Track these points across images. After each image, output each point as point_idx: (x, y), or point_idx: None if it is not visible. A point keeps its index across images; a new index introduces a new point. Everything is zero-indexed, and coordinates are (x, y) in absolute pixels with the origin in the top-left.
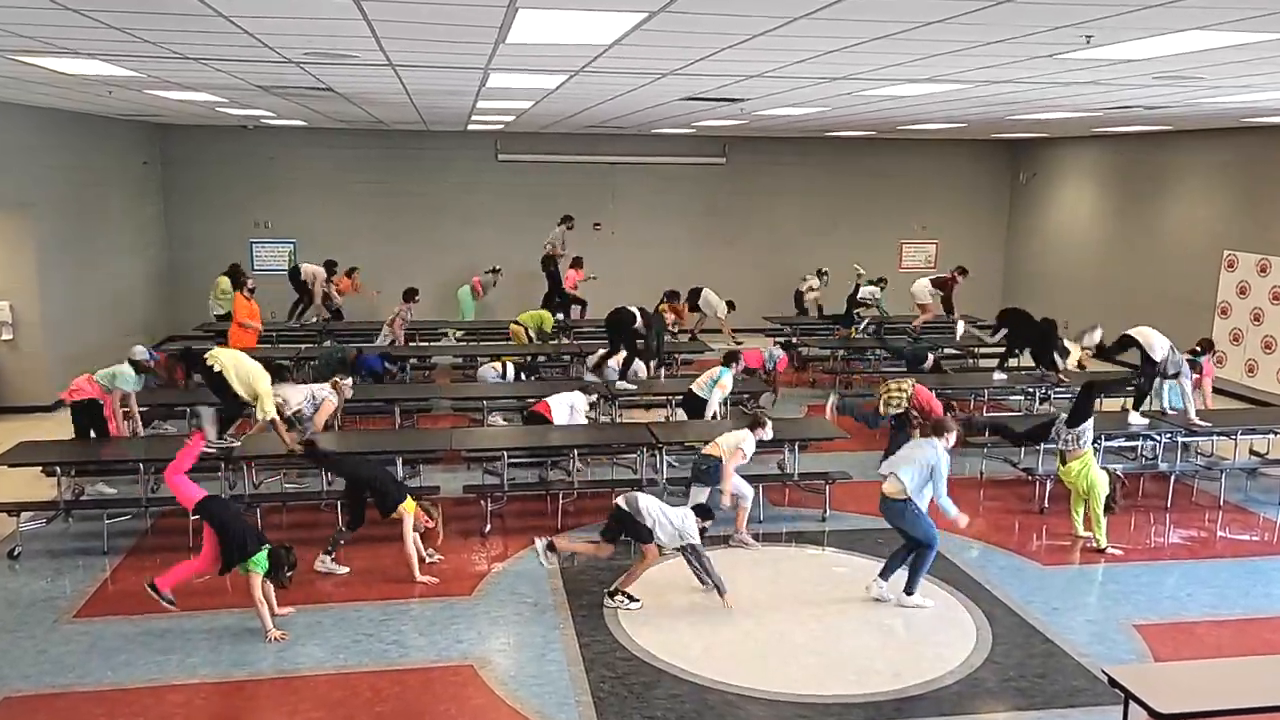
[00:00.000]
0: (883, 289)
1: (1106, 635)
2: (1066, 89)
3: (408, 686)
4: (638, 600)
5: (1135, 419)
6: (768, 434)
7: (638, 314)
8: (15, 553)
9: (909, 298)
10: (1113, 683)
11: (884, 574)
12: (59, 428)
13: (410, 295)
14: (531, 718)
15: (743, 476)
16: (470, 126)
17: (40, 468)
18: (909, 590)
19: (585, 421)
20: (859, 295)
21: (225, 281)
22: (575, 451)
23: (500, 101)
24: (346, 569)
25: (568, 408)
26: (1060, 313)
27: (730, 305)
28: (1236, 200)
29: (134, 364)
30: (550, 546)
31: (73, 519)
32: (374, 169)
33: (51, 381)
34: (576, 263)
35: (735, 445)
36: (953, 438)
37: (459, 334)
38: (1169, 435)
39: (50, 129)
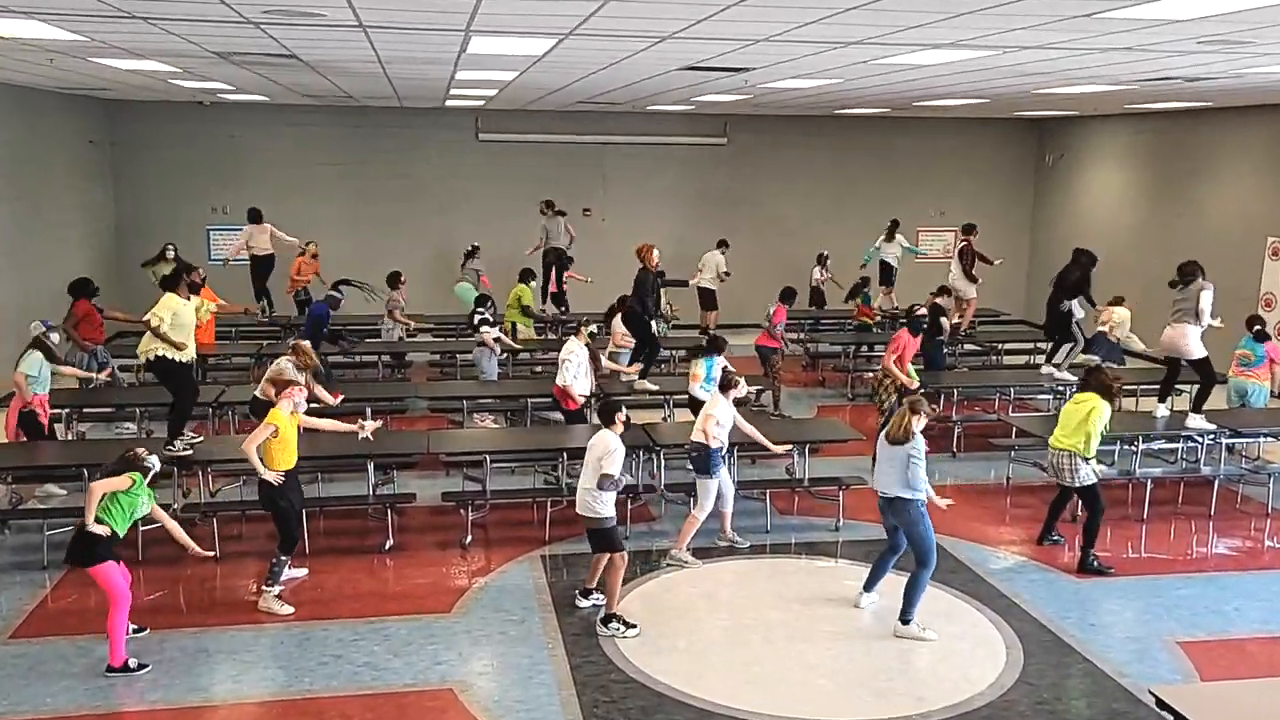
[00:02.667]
0: (889, 238)
1: (1148, 653)
2: (1103, 56)
3: (381, 713)
4: (634, 625)
5: (1196, 422)
6: (740, 391)
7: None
8: None
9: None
10: (1161, 704)
11: (869, 585)
12: None
13: (395, 280)
14: None
15: (748, 481)
16: (449, 102)
17: None
18: (905, 618)
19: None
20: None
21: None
22: (564, 454)
23: (482, 71)
24: (304, 571)
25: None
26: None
27: (721, 244)
28: None
29: (42, 341)
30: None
31: (9, 530)
32: (344, 149)
33: None
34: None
35: (705, 414)
36: (922, 419)
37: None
38: (1212, 437)
39: None
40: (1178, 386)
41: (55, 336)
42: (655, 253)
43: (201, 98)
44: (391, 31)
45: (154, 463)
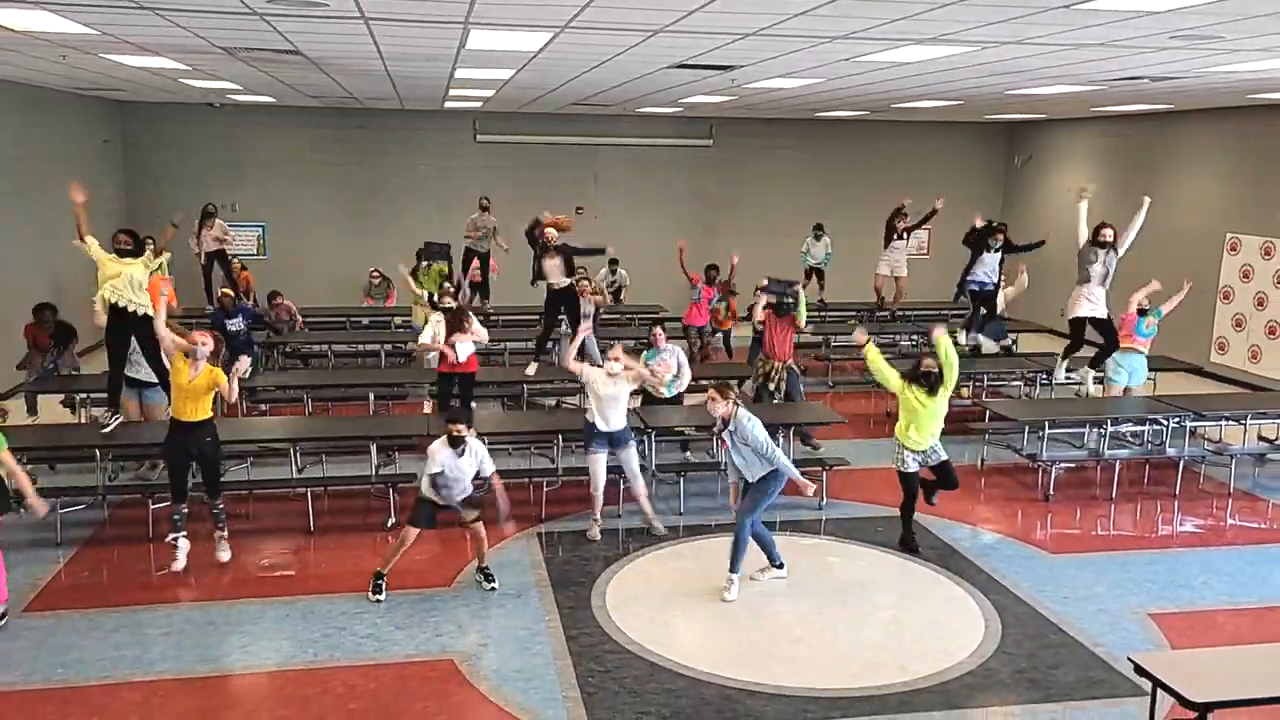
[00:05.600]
0: (818, 237)
1: (1120, 624)
2: (1075, 53)
3: (383, 683)
4: (381, 599)
5: (1089, 378)
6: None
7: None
8: None
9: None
10: (1139, 670)
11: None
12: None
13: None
14: (516, 715)
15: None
16: (448, 104)
17: None
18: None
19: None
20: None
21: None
22: (560, 437)
23: (480, 70)
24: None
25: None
26: (1056, 300)
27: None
28: (1239, 182)
29: None
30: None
31: (25, 510)
32: (347, 150)
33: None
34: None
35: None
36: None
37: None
38: (1176, 420)
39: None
40: (1078, 355)
41: None
42: (550, 231)
43: (212, 99)
44: (393, 23)
45: None
